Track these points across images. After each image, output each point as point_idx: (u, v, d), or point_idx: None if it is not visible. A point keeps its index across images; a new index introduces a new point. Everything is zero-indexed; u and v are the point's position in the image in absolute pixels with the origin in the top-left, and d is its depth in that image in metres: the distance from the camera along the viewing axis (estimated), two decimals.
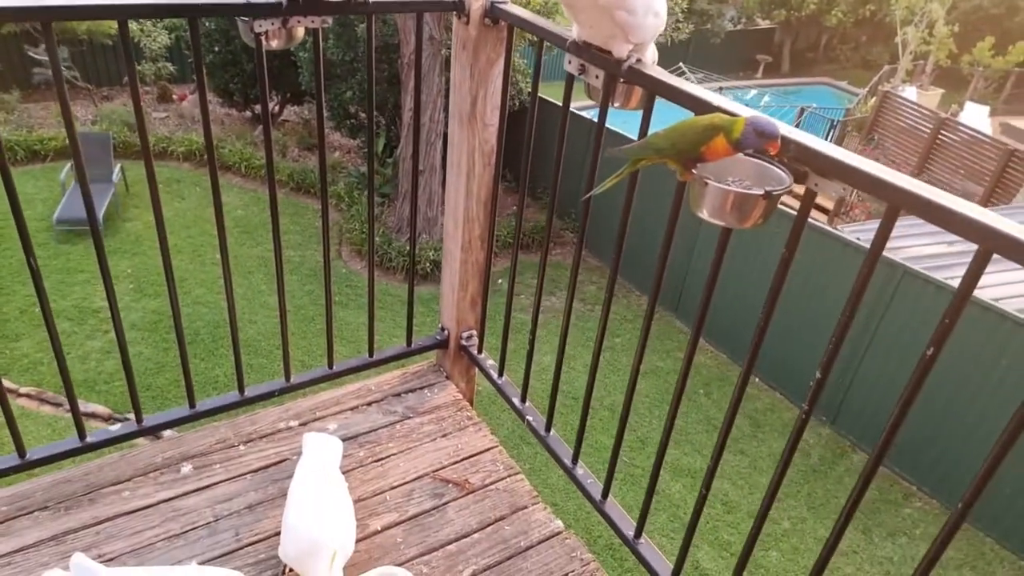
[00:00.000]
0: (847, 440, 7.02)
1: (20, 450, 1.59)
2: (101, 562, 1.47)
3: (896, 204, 1.00)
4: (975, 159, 12.35)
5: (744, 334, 7.51)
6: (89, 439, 1.66)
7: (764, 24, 21.37)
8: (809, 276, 6.93)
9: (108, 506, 1.58)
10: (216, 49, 10.39)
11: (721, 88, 15.03)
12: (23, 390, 6.27)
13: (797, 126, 13.85)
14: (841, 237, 6.90)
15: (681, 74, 14.77)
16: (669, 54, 14.98)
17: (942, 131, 12.73)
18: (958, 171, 12.54)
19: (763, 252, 7.11)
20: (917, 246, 7.29)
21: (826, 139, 13.39)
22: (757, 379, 7.73)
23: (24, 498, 1.59)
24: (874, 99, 14.13)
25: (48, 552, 1.48)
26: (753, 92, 16.89)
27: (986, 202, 11.55)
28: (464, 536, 1.63)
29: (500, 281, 8.48)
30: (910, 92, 14.87)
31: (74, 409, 1.64)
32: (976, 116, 15.25)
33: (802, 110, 13.78)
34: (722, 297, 7.83)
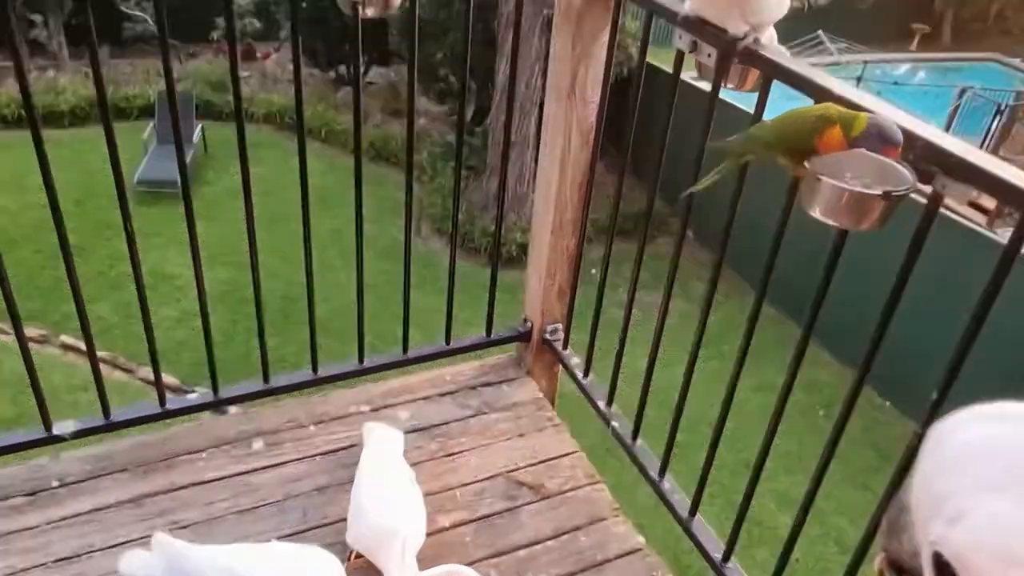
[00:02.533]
0: None
1: (105, 411, 1.81)
2: (175, 529, 1.65)
3: None
4: None
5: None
6: (168, 406, 1.86)
7: None
8: (959, 288, 6.53)
9: (184, 474, 1.77)
10: (303, 4, 10.90)
11: (866, 61, 14.24)
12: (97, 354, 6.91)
13: (956, 109, 12.86)
14: (1000, 243, 6.47)
15: (819, 43, 14.12)
16: (806, 20, 14.31)
17: None
18: None
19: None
20: None
21: (991, 126, 12.46)
22: (888, 403, 7.40)
23: (106, 458, 1.80)
24: None
25: (127, 513, 1.68)
26: (905, 67, 15.87)
27: None
28: (536, 543, 1.71)
29: (593, 271, 8.47)
30: None
31: (157, 376, 1.84)
32: None
33: (962, 91, 12.85)
34: (851, 306, 7.51)
